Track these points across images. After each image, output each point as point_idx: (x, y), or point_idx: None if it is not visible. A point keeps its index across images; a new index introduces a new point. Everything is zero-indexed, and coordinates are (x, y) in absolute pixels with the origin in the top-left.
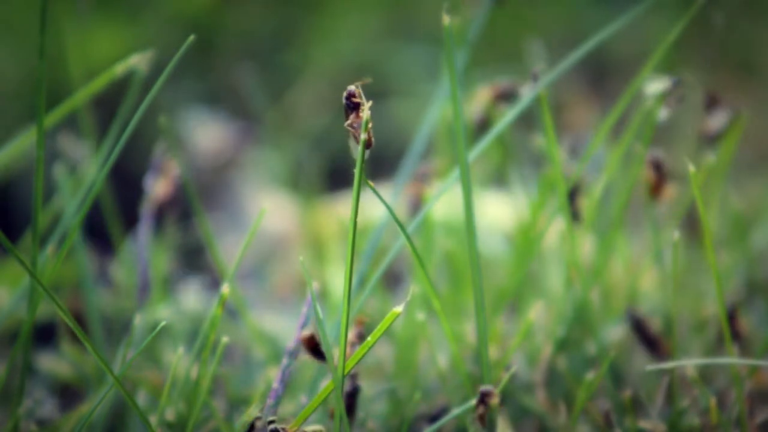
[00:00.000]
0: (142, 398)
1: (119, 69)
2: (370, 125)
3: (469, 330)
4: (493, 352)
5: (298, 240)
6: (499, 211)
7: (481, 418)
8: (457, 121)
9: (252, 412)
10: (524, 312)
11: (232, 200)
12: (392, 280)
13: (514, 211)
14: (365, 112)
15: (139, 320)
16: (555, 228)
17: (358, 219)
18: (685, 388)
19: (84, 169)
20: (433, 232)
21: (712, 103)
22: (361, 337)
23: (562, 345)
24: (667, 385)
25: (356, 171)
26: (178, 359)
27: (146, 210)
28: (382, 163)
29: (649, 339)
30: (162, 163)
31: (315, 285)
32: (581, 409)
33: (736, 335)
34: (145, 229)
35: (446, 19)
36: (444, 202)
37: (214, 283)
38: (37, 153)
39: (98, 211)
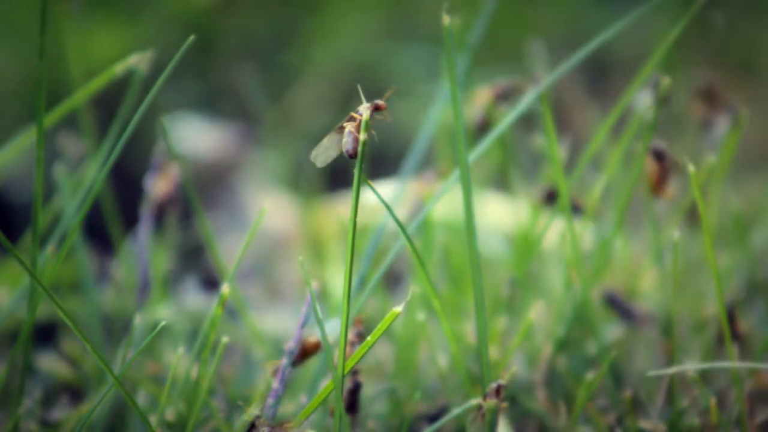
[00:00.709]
0: (142, 398)
1: (119, 69)
2: (384, 117)
3: (469, 330)
4: (493, 352)
5: (298, 240)
6: (499, 212)
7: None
8: (457, 121)
9: (252, 411)
10: (524, 312)
11: (232, 200)
12: (392, 280)
13: (514, 212)
14: (365, 113)
15: (139, 320)
16: (555, 228)
17: (358, 219)
18: (685, 388)
19: (84, 169)
20: (434, 232)
21: (712, 103)
22: (360, 337)
23: (562, 345)
24: (668, 386)
25: (356, 171)
26: (178, 359)
27: (146, 210)
28: (382, 163)
29: (623, 309)
30: (162, 163)
31: (315, 285)
32: (581, 409)
33: (736, 335)
34: (145, 229)
35: (446, 19)
36: (444, 202)
37: (214, 283)
38: (37, 153)
39: (98, 211)
